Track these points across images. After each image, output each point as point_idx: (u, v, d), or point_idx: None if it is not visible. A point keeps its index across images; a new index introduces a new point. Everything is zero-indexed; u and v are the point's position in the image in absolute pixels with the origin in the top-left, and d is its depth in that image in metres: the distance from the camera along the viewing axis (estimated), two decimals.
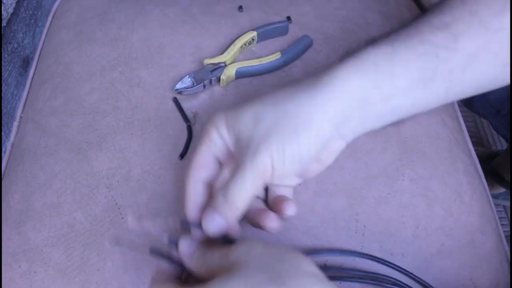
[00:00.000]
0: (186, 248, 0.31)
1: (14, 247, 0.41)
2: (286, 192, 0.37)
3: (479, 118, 1.21)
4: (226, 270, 0.27)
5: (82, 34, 0.56)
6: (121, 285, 0.39)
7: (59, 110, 0.49)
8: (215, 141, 0.32)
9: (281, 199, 0.35)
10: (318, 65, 0.52)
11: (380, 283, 0.39)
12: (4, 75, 0.60)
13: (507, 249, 0.45)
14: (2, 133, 0.60)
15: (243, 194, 0.30)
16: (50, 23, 0.60)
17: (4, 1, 0.58)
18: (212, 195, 0.34)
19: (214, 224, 0.31)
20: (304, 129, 0.30)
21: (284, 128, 0.30)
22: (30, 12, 0.66)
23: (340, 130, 0.31)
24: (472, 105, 0.58)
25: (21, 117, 0.52)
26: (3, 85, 0.60)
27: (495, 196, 1.05)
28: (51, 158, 0.46)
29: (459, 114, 0.54)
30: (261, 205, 0.37)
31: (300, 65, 0.52)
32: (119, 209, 0.42)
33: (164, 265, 0.33)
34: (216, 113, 0.33)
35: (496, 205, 1.05)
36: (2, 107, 0.60)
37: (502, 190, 1.03)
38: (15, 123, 0.52)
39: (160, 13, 0.57)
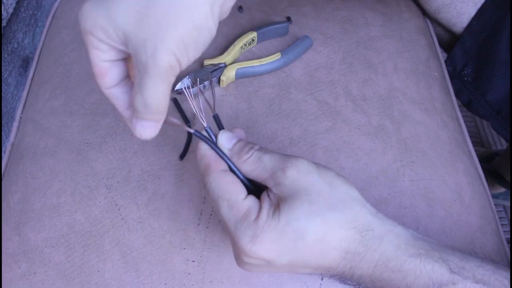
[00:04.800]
0: (225, 140, 0.33)
1: (14, 248, 0.41)
2: None
3: (479, 118, 1.21)
4: (285, 187, 0.30)
5: None
6: (121, 285, 0.39)
7: (59, 110, 0.49)
8: (100, 47, 0.28)
9: None
10: (318, 65, 0.52)
11: None
12: (4, 75, 0.60)
13: (507, 249, 0.45)
14: (2, 133, 0.60)
15: (160, 95, 0.28)
16: (50, 23, 0.60)
17: (4, 1, 0.58)
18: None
19: (147, 130, 0.30)
20: (199, 11, 0.26)
21: (179, 17, 0.26)
22: (30, 12, 0.66)
23: None
24: (471, 106, 0.58)
25: (21, 117, 0.52)
26: (3, 85, 0.60)
27: (495, 196, 1.05)
28: (51, 158, 0.46)
29: (459, 114, 0.54)
30: None
31: (300, 66, 0.52)
32: (119, 210, 0.42)
33: (209, 152, 0.32)
34: (82, 15, 0.27)
35: (496, 205, 1.06)
36: (2, 107, 0.60)
37: (502, 190, 1.04)
38: (15, 123, 0.52)
39: None
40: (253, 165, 0.31)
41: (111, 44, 0.28)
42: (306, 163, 0.31)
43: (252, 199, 0.31)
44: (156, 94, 0.28)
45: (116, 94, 0.31)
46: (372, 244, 0.29)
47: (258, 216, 0.30)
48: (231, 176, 0.32)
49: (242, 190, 0.31)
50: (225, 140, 0.33)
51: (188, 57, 0.28)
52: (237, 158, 0.32)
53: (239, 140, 0.33)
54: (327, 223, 0.29)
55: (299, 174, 0.30)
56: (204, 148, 0.33)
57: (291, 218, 0.29)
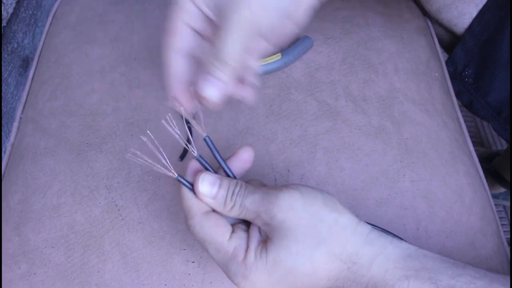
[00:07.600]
0: (206, 188, 0.31)
1: (14, 248, 0.41)
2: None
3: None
4: (271, 227, 0.30)
5: (82, 34, 0.56)
6: (121, 286, 0.39)
7: (59, 110, 0.49)
8: (190, 10, 0.32)
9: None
10: (318, 66, 0.52)
11: None
12: (4, 75, 0.60)
13: (508, 250, 0.45)
14: (2, 133, 0.60)
15: (235, 50, 0.30)
16: (50, 23, 0.60)
17: (4, 1, 0.58)
18: (197, 71, 0.33)
19: (215, 88, 0.31)
20: None
21: None
22: (30, 12, 0.66)
23: None
24: (472, 107, 0.58)
25: (21, 117, 0.52)
26: (3, 85, 0.59)
27: (495, 196, 1.05)
28: (51, 159, 0.46)
29: (460, 115, 0.54)
30: None
31: (301, 66, 0.52)
32: (119, 210, 0.42)
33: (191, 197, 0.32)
34: None
35: (496, 205, 1.05)
36: (2, 107, 0.60)
37: (502, 190, 1.04)
38: (15, 124, 0.52)
39: (160, 14, 0.57)
40: (238, 211, 0.31)
41: (201, 6, 0.31)
42: (288, 199, 0.30)
43: (237, 238, 0.31)
44: (233, 47, 0.29)
45: (178, 61, 0.32)
46: (360, 271, 0.30)
47: (245, 257, 0.30)
48: (214, 218, 0.31)
49: (227, 231, 0.31)
50: (206, 188, 0.32)
51: (269, 18, 0.30)
52: (223, 209, 0.32)
53: (222, 181, 0.32)
54: (314, 261, 0.29)
55: (282, 214, 0.29)
56: (185, 190, 0.32)
57: (278, 259, 0.29)
